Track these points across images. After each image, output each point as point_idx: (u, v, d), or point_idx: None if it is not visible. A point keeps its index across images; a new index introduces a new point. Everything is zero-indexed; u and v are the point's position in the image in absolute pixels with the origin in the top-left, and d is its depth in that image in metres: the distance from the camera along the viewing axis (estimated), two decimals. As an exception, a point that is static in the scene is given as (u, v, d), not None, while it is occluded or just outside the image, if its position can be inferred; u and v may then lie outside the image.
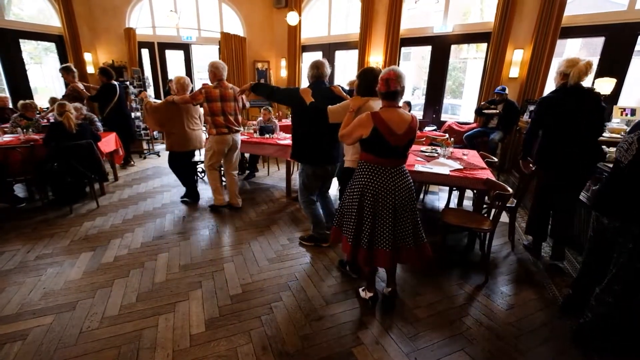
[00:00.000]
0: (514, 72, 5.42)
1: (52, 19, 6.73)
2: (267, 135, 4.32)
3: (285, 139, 4.16)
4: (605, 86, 3.76)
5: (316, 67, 2.53)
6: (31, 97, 6.39)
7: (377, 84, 1.96)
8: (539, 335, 1.95)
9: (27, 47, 7.06)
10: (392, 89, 1.81)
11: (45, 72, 8.49)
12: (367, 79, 2.16)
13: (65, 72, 4.80)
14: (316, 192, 2.84)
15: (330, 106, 2.29)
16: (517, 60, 5.36)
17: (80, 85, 4.92)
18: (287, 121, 6.09)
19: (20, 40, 6.39)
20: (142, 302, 2.16)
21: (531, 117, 2.61)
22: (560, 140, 2.47)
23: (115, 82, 5.01)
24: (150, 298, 2.20)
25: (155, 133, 6.91)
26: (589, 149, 2.43)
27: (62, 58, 6.87)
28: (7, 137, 3.82)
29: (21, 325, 1.93)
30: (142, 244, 2.93)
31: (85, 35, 6.92)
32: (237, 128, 3.48)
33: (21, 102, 4.14)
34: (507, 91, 4.89)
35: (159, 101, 3.76)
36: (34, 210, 3.56)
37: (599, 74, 4.69)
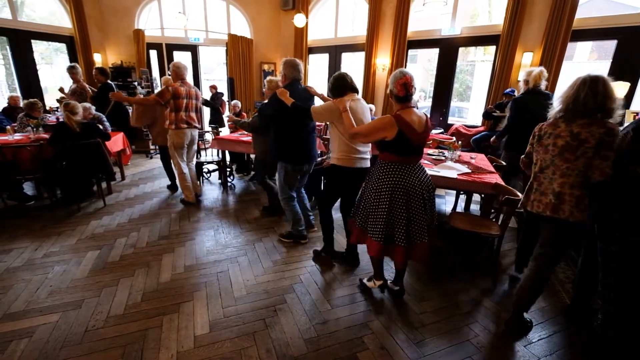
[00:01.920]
0: (523, 75, 5.35)
1: (63, 20, 6.84)
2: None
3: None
4: (618, 90, 3.68)
5: (297, 68, 2.66)
6: (42, 97, 6.50)
7: (349, 84, 2.29)
8: (550, 344, 1.91)
9: (39, 48, 7.19)
10: (410, 92, 1.89)
11: (56, 72, 8.64)
12: (339, 81, 2.33)
13: (74, 70, 4.92)
14: (295, 189, 2.96)
15: (313, 106, 2.37)
16: (526, 64, 5.29)
17: (86, 85, 5.09)
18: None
19: (32, 41, 6.50)
20: (147, 301, 2.16)
21: (509, 115, 3.32)
22: (528, 132, 2.87)
23: (111, 83, 5.11)
24: (155, 298, 2.20)
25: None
26: None
27: (73, 58, 6.97)
28: (18, 136, 3.88)
29: (28, 322, 1.94)
30: (148, 243, 2.94)
31: (95, 36, 7.02)
32: (195, 124, 3.69)
33: (25, 101, 4.20)
34: (516, 93, 4.82)
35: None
36: (43, 209, 3.60)
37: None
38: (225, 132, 5.54)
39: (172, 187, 4.33)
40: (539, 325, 2.05)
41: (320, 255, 2.76)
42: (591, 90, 1.62)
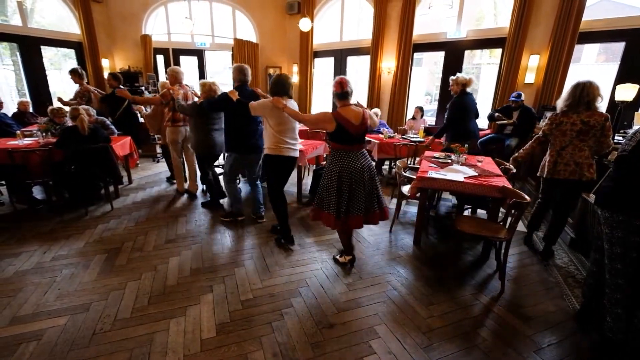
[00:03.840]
0: (530, 77, 5.32)
1: (72, 26, 6.96)
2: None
3: (299, 144, 4.14)
4: (626, 93, 3.64)
5: (243, 72, 3.10)
6: (51, 102, 6.60)
7: (289, 86, 2.72)
8: (560, 349, 1.87)
9: (48, 54, 7.31)
10: (345, 88, 2.32)
11: (64, 77, 8.76)
12: (279, 83, 2.71)
13: (75, 75, 4.98)
14: (239, 175, 3.41)
15: (251, 102, 2.73)
16: (533, 66, 5.26)
17: (91, 88, 5.13)
18: (301, 126, 6.10)
19: (42, 47, 6.62)
20: (153, 305, 2.17)
21: (452, 114, 3.97)
22: (467, 123, 3.99)
23: (123, 88, 5.15)
24: (161, 301, 2.21)
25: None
26: (475, 127, 4.18)
27: (81, 64, 7.09)
28: (27, 141, 3.94)
29: (36, 325, 1.96)
30: (155, 246, 2.95)
31: (103, 41, 7.13)
32: None
33: (51, 107, 4.29)
34: (523, 97, 4.78)
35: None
36: (51, 212, 3.64)
37: (619, 80, 4.55)
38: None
39: (171, 179, 4.76)
40: (548, 330, 2.02)
41: (281, 241, 3.05)
42: (586, 90, 2.46)
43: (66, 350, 1.78)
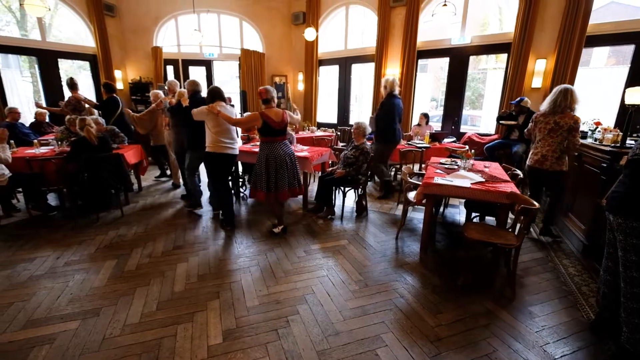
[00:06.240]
0: (537, 82, 5.28)
1: (87, 40, 7.22)
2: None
3: (302, 150, 4.19)
4: (637, 96, 3.56)
5: (196, 84, 3.74)
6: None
7: (222, 94, 3.33)
8: (573, 360, 1.82)
9: (64, 65, 7.57)
10: (269, 96, 3.04)
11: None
12: (214, 93, 3.30)
13: (67, 86, 5.12)
14: (198, 170, 3.95)
15: (193, 110, 3.28)
16: (539, 70, 5.23)
17: (82, 96, 5.19)
18: (304, 133, 6.17)
19: (59, 60, 6.87)
20: (162, 310, 2.20)
21: (383, 115, 4.24)
22: (394, 123, 4.29)
23: (117, 96, 5.25)
24: (169, 307, 2.23)
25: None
26: (400, 133, 4.48)
27: (95, 75, 7.33)
28: (43, 149, 4.07)
29: (49, 329, 2.00)
30: (163, 252, 3.00)
31: (116, 54, 7.37)
32: None
33: (68, 116, 4.43)
34: (528, 103, 4.72)
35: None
36: (65, 218, 3.74)
37: (630, 84, 4.48)
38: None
39: (160, 176, 5.57)
40: (561, 341, 1.97)
41: (223, 223, 3.59)
42: (564, 97, 2.99)
43: (77, 355, 1.81)
